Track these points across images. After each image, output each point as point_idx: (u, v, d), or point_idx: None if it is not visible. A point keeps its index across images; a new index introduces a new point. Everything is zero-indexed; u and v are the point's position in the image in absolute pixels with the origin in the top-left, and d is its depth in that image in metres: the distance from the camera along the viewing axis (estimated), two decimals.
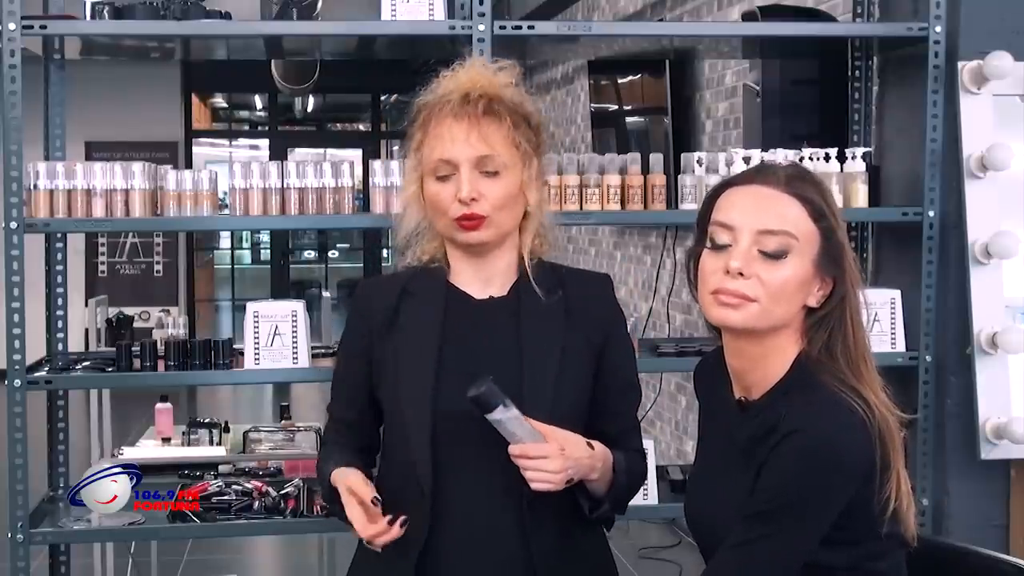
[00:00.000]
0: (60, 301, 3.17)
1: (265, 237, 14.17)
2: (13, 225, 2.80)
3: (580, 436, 1.91)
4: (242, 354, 2.97)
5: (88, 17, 2.91)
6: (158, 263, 10.82)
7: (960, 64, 2.98)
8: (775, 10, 3.53)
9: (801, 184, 1.72)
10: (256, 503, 2.97)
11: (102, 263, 10.69)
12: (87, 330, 4.89)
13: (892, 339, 3.04)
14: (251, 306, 2.92)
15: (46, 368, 3.08)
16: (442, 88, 1.99)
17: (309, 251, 15.29)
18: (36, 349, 3.05)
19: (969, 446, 2.99)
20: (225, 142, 14.23)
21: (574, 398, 1.97)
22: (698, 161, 3.01)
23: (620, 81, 6.14)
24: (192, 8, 2.91)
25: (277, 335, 2.90)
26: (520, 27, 2.94)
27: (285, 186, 2.90)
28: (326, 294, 5.31)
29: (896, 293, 3.06)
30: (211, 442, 4.16)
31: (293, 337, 2.89)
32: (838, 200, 2.60)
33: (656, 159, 3.07)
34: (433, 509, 1.93)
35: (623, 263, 6.70)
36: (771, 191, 1.71)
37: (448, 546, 1.93)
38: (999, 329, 2.94)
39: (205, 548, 5.32)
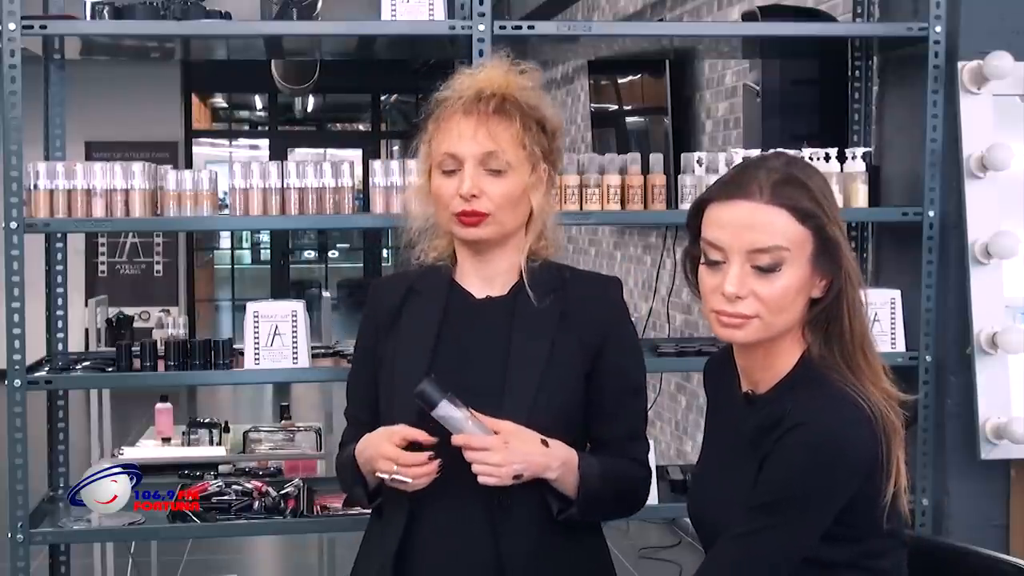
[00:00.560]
0: (60, 301, 3.17)
1: (265, 237, 14.18)
2: (13, 225, 2.80)
3: (536, 434, 1.89)
4: (242, 354, 2.98)
5: (88, 17, 2.91)
6: (158, 263, 10.82)
7: (960, 64, 2.98)
8: (775, 10, 3.53)
9: (783, 189, 1.69)
10: (256, 503, 2.97)
11: (102, 263, 10.68)
12: (87, 330, 4.89)
13: (892, 339, 3.04)
14: (251, 306, 2.92)
15: (46, 368, 3.08)
16: (458, 84, 2.00)
17: (309, 251, 15.31)
18: (36, 349, 3.05)
19: (969, 446, 2.99)
20: (225, 142, 14.24)
21: (561, 399, 1.96)
22: (698, 161, 3.01)
23: (620, 81, 6.14)
24: (192, 8, 2.91)
25: (277, 335, 2.90)
26: (520, 27, 2.94)
27: (285, 186, 2.90)
28: (326, 294, 5.29)
29: (896, 293, 3.06)
30: (211, 442, 4.16)
31: (293, 337, 2.89)
32: (838, 200, 2.59)
33: (656, 159, 3.07)
34: (411, 506, 1.94)
35: (623, 263, 6.70)
36: (754, 205, 1.69)
37: (424, 543, 1.94)
38: (999, 329, 2.94)
39: (205, 548, 5.32)
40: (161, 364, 2.97)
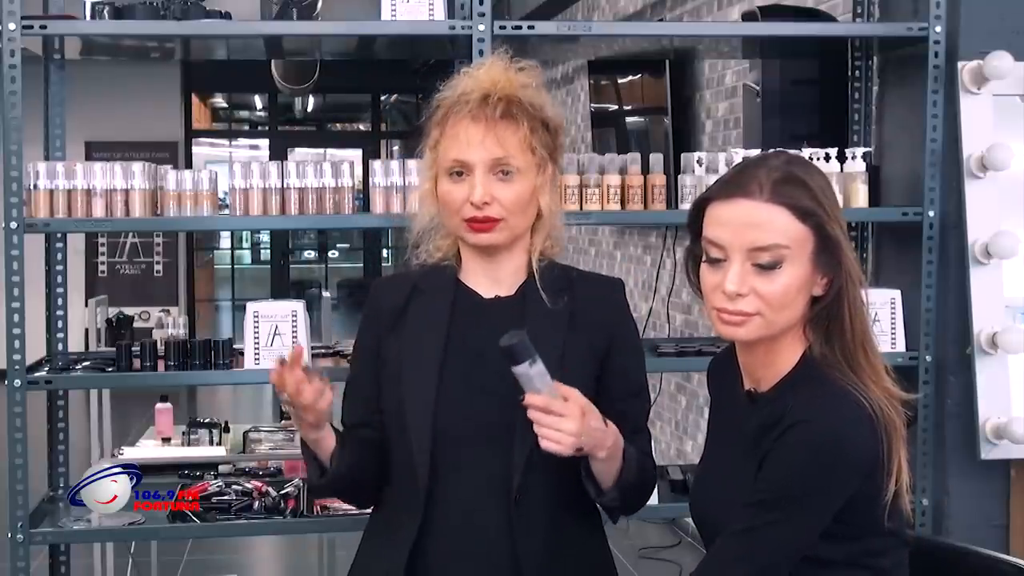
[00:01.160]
0: (60, 301, 3.17)
1: (265, 237, 14.19)
2: (13, 225, 2.80)
3: (596, 409, 1.87)
4: (242, 354, 2.97)
5: (88, 17, 2.92)
6: (158, 263, 10.82)
7: (960, 64, 2.98)
8: (775, 10, 3.53)
9: (784, 187, 1.70)
10: (256, 503, 2.97)
11: (102, 263, 10.69)
12: (87, 330, 4.89)
13: (892, 339, 3.04)
14: (251, 306, 2.92)
15: (46, 368, 3.08)
16: (462, 86, 1.97)
17: (309, 251, 15.32)
18: (36, 349, 3.05)
19: (969, 446, 2.99)
20: (225, 142, 14.25)
21: None
22: (698, 161, 3.01)
23: (620, 81, 6.14)
24: (192, 8, 2.91)
25: (277, 335, 2.90)
26: (520, 27, 2.94)
27: (285, 186, 2.90)
28: (326, 294, 5.29)
29: (896, 293, 3.06)
30: (211, 442, 4.15)
31: (293, 337, 2.89)
32: (839, 200, 2.59)
33: (656, 159, 3.07)
34: (427, 506, 1.93)
35: (623, 263, 6.70)
36: (755, 204, 1.69)
37: (438, 543, 1.93)
38: (999, 329, 2.94)
39: (205, 548, 5.32)
40: (161, 364, 2.97)
